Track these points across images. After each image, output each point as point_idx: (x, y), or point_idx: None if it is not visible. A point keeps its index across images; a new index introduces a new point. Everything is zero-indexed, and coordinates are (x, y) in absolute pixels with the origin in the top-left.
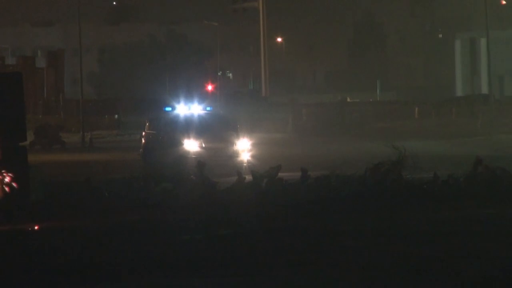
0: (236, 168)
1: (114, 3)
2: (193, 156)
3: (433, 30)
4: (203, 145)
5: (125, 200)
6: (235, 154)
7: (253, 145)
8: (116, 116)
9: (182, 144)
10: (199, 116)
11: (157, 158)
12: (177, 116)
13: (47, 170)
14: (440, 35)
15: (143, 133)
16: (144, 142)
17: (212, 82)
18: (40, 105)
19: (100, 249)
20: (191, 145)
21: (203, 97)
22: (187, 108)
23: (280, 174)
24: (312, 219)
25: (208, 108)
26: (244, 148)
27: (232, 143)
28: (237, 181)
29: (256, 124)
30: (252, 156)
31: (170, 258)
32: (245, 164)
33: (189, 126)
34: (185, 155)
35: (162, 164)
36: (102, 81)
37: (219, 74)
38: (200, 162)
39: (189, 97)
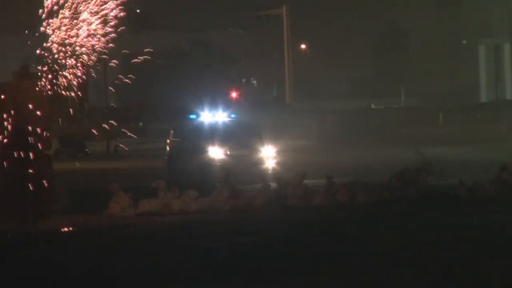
0: (261, 175)
1: (138, 10)
2: (218, 164)
3: (457, 36)
4: (228, 153)
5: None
6: (260, 161)
7: (278, 152)
8: (141, 124)
9: (207, 151)
10: (224, 123)
11: (182, 165)
12: (201, 124)
13: (72, 178)
14: (464, 41)
15: (168, 140)
16: (169, 150)
17: (236, 89)
18: (64, 113)
19: (120, 255)
20: (216, 152)
21: (228, 104)
22: (212, 116)
23: (305, 181)
24: (337, 226)
25: (233, 116)
26: (269, 155)
27: (257, 150)
28: (262, 189)
29: (280, 131)
30: (277, 163)
31: (192, 265)
32: (270, 171)
33: (214, 134)
34: (210, 163)
35: (187, 171)
36: (126, 89)
37: (243, 81)
38: (225, 169)
39: (213, 105)
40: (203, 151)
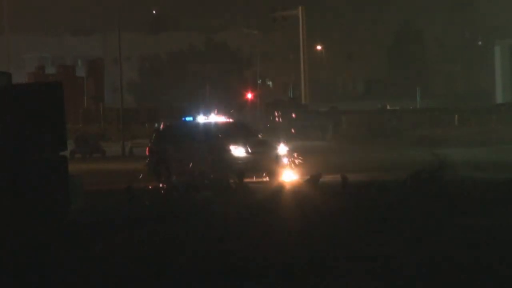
0: (277, 174)
1: (154, 12)
2: (240, 162)
3: (473, 37)
4: (250, 150)
5: (165, 208)
6: (277, 159)
7: (293, 151)
8: (156, 124)
9: (192, 154)
10: (213, 125)
11: (174, 169)
12: (186, 125)
13: (88, 179)
14: (480, 42)
15: (151, 142)
16: (156, 153)
17: (252, 91)
18: (80, 114)
19: (134, 257)
20: (237, 151)
21: (243, 105)
22: (205, 118)
23: (320, 181)
24: (352, 227)
25: (224, 117)
26: (284, 153)
27: (275, 148)
28: (277, 188)
29: (296, 131)
30: (293, 161)
31: (205, 268)
32: (287, 169)
33: (199, 135)
34: (195, 166)
35: (180, 174)
36: (142, 90)
37: (258, 82)
38: (240, 170)
39: (228, 106)
40: (186, 155)
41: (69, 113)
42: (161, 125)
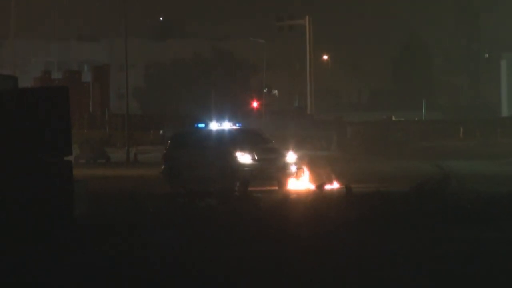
0: (282, 182)
1: (161, 18)
2: (247, 168)
3: (479, 49)
4: (256, 157)
5: (169, 216)
6: (286, 166)
7: (299, 161)
8: (161, 131)
9: (206, 161)
10: (227, 132)
11: (186, 176)
12: (201, 132)
13: (92, 185)
14: (486, 55)
15: (166, 149)
16: (170, 160)
17: (258, 99)
18: (85, 119)
19: (138, 264)
20: (245, 157)
21: (248, 113)
22: (218, 125)
23: (324, 191)
24: (354, 239)
25: (238, 124)
26: (292, 161)
27: (283, 155)
28: (282, 197)
29: (301, 141)
30: (301, 170)
31: (206, 276)
32: (294, 178)
33: (214, 142)
34: (210, 173)
35: (191, 182)
36: (147, 97)
37: (264, 91)
38: (244, 178)
39: (233, 115)
40: (202, 161)
41: (74, 118)
42: (167, 132)
